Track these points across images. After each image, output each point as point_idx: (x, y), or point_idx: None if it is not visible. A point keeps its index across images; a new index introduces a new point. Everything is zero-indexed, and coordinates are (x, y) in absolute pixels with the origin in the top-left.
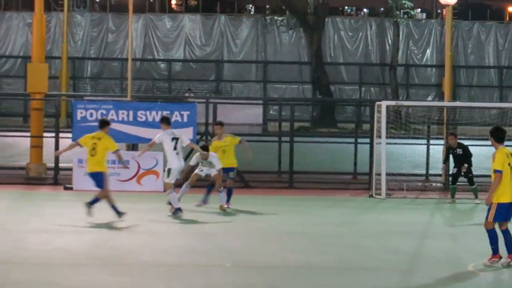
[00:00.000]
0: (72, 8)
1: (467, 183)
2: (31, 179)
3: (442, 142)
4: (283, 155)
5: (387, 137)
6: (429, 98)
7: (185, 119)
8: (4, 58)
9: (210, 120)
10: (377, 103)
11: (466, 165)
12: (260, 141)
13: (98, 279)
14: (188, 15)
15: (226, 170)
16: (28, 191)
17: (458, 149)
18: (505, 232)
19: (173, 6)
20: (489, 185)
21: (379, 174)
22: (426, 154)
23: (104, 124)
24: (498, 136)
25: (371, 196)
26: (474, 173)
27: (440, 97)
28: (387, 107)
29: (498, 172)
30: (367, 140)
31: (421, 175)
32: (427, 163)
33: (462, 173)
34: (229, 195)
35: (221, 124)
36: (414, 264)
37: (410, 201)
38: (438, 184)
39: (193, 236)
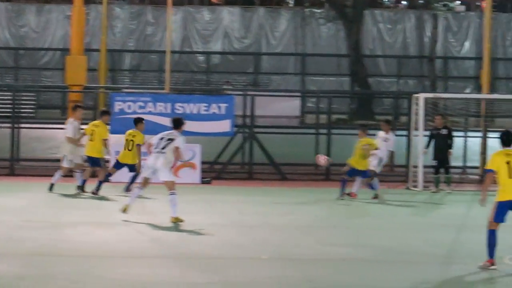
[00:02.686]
0: (111, 1)
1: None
2: (69, 171)
3: (480, 134)
4: (321, 148)
5: (424, 130)
6: (467, 90)
7: (223, 111)
8: (44, 51)
9: (248, 113)
10: (415, 95)
11: (451, 150)
12: (298, 133)
13: (135, 271)
14: (227, 7)
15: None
16: (65, 183)
17: (443, 129)
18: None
19: None
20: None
21: (416, 167)
22: (463, 146)
23: (137, 121)
24: (502, 140)
25: (407, 188)
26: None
27: (478, 89)
28: (425, 99)
29: (488, 171)
30: (405, 133)
31: (458, 167)
32: (465, 156)
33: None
34: None
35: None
36: (452, 257)
37: (447, 194)
38: (475, 177)
39: (231, 229)
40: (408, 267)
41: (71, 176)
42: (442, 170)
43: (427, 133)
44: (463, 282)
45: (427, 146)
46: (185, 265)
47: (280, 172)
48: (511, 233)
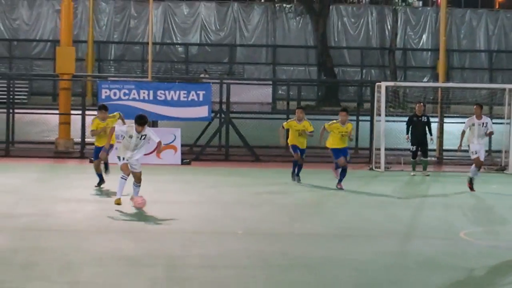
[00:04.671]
0: None
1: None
2: (60, 153)
3: (436, 119)
4: None
5: (386, 115)
6: (425, 79)
7: (201, 98)
8: (35, 42)
9: (224, 99)
10: (377, 84)
11: (431, 137)
12: (270, 118)
13: (120, 245)
14: (204, 2)
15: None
16: (57, 164)
17: (423, 117)
18: None
19: None
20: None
21: (379, 149)
22: None
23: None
24: None
25: (371, 169)
26: (452, 147)
27: (435, 78)
28: (386, 87)
29: None
30: (368, 118)
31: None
32: None
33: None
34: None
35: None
36: (411, 232)
37: (406, 174)
38: (432, 158)
39: (209, 206)
40: (370, 241)
41: (63, 157)
42: (419, 154)
43: (406, 119)
44: (422, 253)
45: (408, 132)
46: (166, 239)
47: (254, 154)
48: (469, 210)
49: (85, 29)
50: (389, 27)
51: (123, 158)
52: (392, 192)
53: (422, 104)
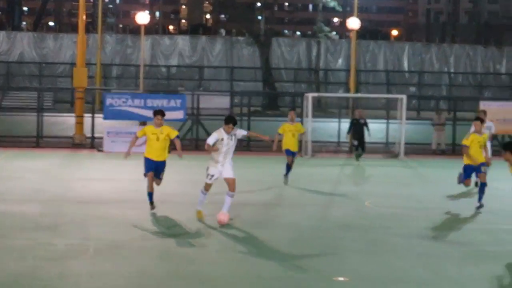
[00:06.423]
0: (104, 31)
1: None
2: (75, 145)
3: (348, 120)
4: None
5: (312, 117)
6: (340, 91)
7: (178, 105)
8: (58, 64)
9: (195, 106)
10: (305, 94)
11: (369, 134)
12: None
13: (125, 212)
14: (181, 36)
15: None
16: (73, 153)
17: (361, 120)
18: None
19: (171, 30)
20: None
21: (306, 141)
22: (337, 128)
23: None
24: None
25: (301, 156)
26: (368, 141)
27: (347, 91)
28: (312, 97)
29: None
30: (299, 120)
31: (334, 142)
32: (338, 135)
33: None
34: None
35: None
36: (327, 202)
37: (327, 159)
38: (345, 149)
39: (186, 184)
40: (292, 208)
41: (79, 148)
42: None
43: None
44: (339, 218)
45: (349, 131)
46: (160, 208)
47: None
48: (372, 185)
49: (94, 55)
50: (314, 53)
51: (212, 176)
52: (316, 172)
53: (360, 110)
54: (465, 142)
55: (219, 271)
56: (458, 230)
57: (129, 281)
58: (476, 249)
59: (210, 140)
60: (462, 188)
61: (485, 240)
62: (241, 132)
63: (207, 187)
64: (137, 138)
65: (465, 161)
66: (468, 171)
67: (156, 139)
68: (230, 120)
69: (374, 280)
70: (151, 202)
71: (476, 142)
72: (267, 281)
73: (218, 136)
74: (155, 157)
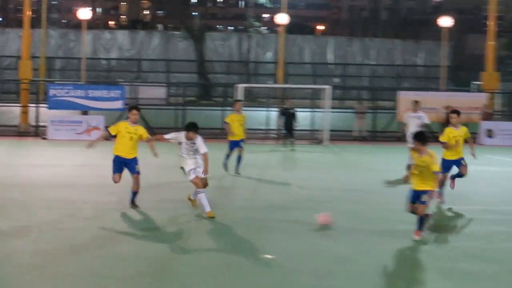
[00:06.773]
0: (48, 26)
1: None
2: (21, 133)
3: (277, 109)
4: (178, 118)
5: (243, 106)
6: (269, 82)
7: (118, 95)
8: (5, 57)
9: (133, 96)
10: (236, 85)
11: (296, 123)
12: (164, 109)
13: (62, 195)
14: (121, 30)
15: None
16: (19, 140)
17: (290, 109)
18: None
19: (111, 25)
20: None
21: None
22: (266, 117)
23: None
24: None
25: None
26: (298, 128)
27: (276, 82)
28: (243, 88)
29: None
30: (230, 109)
31: (263, 129)
32: (267, 123)
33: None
34: None
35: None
36: (255, 185)
37: (256, 146)
38: (273, 135)
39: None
40: (233, 192)
41: (24, 136)
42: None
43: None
44: (267, 199)
45: (279, 119)
46: (103, 192)
47: (154, 133)
48: (299, 170)
49: (39, 48)
50: (245, 47)
51: (191, 170)
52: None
53: (289, 99)
54: (441, 139)
55: (133, 251)
56: (374, 210)
57: (70, 258)
58: (390, 228)
59: (167, 135)
60: (382, 172)
61: (396, 219)
62: (201, 146)
63: (196, 183)
64: (109, 134)
65: (445, 155)
66: (446, 164)
67: (129, 139)
68: (191, 127)
69: (298, 256)
70: (132, 201)
71: (451, 137)
72: (198, 260)
73: (177, 136)
74: (126, 154)
